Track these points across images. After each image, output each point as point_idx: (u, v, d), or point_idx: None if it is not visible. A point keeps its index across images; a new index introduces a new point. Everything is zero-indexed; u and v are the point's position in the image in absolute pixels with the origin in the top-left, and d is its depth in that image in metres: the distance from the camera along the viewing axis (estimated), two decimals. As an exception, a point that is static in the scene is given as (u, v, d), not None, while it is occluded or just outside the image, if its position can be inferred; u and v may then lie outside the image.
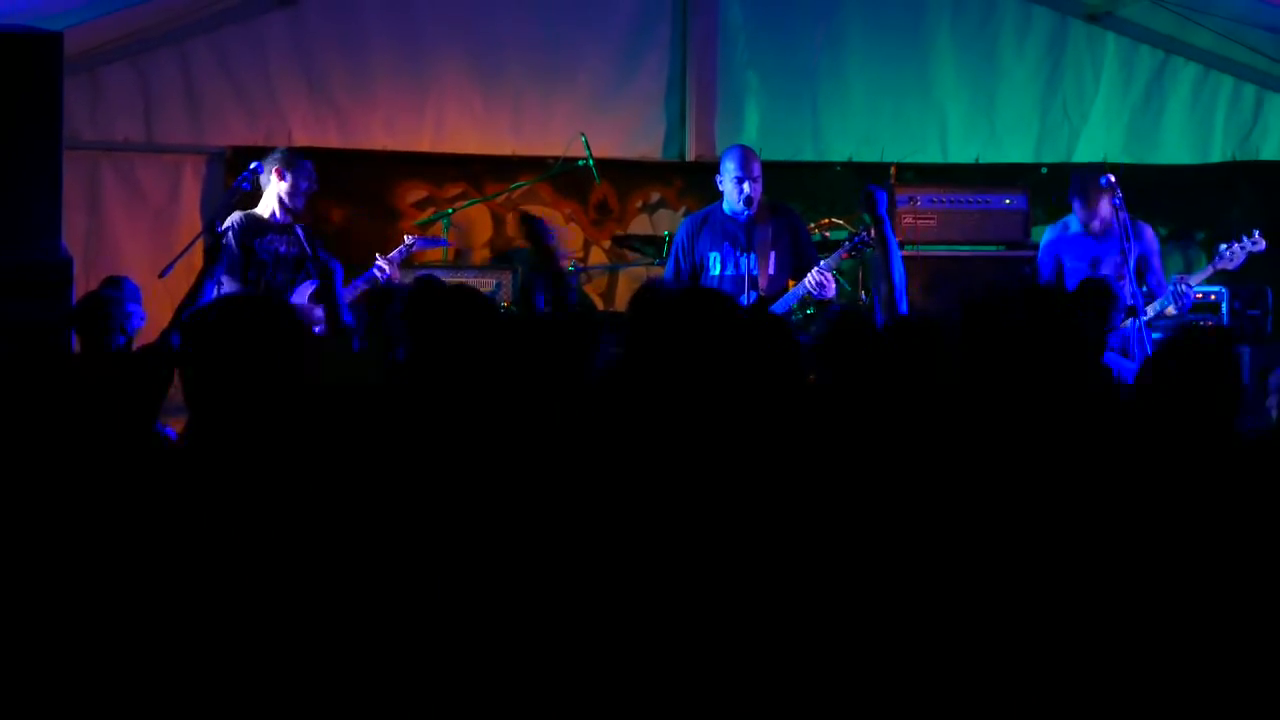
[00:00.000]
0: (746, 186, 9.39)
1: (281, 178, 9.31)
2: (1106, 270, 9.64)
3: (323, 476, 3.96)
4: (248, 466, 3.88)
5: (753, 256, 9.34)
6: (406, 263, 9.92)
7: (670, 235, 10.30)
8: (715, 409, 4.26)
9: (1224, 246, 9.86)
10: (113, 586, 3.71)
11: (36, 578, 3.73)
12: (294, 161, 9.40)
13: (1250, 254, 9.65)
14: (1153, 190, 11.50)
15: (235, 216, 9.29)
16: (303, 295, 9.10)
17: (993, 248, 10.92)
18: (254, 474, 3.87)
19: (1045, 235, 10.25)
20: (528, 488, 4.13)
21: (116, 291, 8.91)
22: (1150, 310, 9.41)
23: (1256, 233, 9.70)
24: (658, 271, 10.85)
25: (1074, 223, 9.98)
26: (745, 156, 9.54)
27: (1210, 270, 9.92)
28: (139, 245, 11.06)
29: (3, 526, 3.83)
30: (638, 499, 4.01)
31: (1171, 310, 9.56)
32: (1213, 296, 10.84)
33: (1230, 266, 9.71)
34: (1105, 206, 9.70)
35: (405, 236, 10.12)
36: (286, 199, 9.32)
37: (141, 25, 10.92)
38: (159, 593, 3.70)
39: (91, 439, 4.12)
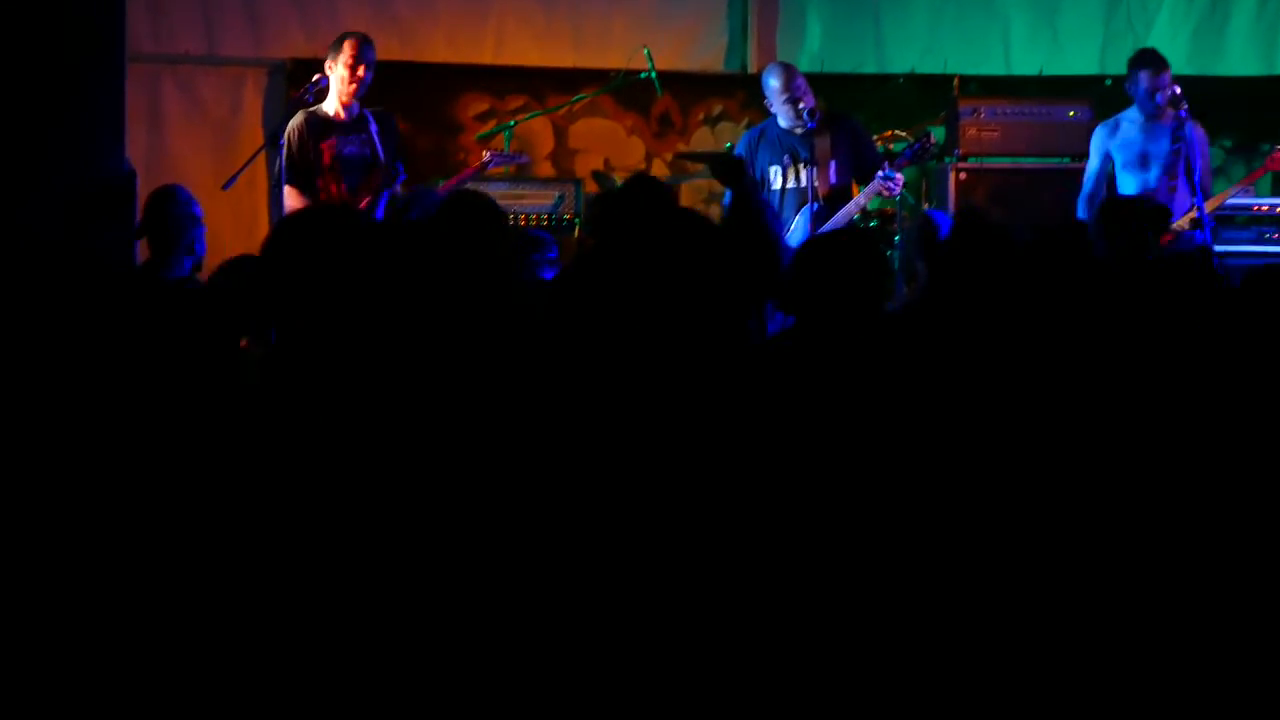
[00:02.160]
0: (800, 104, 9.35)
1: (331, 69, 9.00)
2: (1154, 168, 9.59)
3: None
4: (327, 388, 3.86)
5: (812, 169, 9.31)
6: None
7: (732, 147, 10.28)
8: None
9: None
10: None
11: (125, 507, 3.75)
12: (339, 45, 9.00)
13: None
14: (1218, 102, 11.38)
15: (296, 117, 9.03)
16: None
17: (1058, 160, 10.86)
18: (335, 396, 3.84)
19: (1096, 132, 10.13)
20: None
21: (185, 206, 8.80)
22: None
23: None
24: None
25: (1126, 119, 9.87)
26: (786, 73, 9.48)
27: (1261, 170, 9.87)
28: (200, 159, 11.06)
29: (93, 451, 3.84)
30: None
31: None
32: (1279, 210, 10.75)
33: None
34: (1167, 79, 9.64)
35: (484, 153, 10.11)
36: (344, 87, 8.99)
37: (201, -65, 10.95)
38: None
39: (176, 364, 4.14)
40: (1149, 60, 9.77)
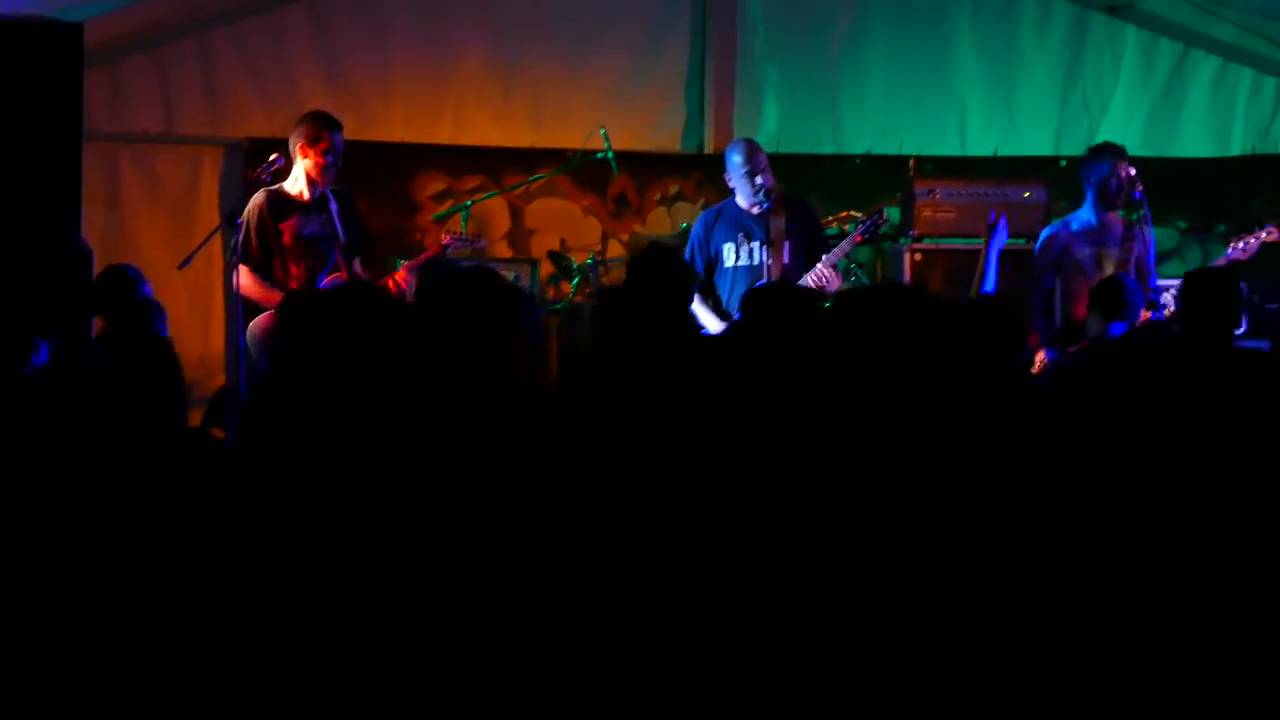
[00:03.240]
0: (759, 179, 9.38)
1: (305, 154, 8.96)
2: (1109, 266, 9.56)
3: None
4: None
5: (766, 248, 9.34)
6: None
7: (688, 228, 10.30)
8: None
9: (1237, 239, 9.80)
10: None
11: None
12: (317, 136, 8.94)
13: (1264, 244, 9.60)
14: (1172, 183, 11.48)
15: (257, 196, 8.99)
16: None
17: (1012, 241, 10.86)
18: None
19: (1041, 236, 10.08)
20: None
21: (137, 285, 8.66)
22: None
23: (1270, 226, 9.63)
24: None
25: (1076, 219, 9.85)
26: (749, 149, 9.51)
27: (1224, 261, 9.87)
28: (158, 237, 11.05)
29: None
30: None
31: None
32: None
33: (1243, 257, 9.65)
34: (1125, 171, 9.59)
35: (443, 235, 10.06)
36: (315, 175, 8.97)
37: (161, 16, 10.95)
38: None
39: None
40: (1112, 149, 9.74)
